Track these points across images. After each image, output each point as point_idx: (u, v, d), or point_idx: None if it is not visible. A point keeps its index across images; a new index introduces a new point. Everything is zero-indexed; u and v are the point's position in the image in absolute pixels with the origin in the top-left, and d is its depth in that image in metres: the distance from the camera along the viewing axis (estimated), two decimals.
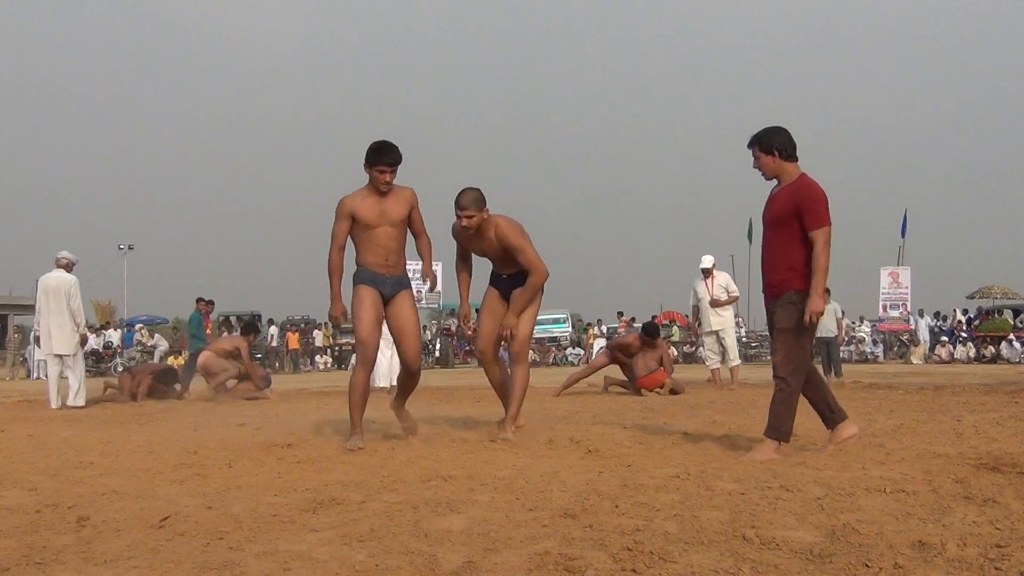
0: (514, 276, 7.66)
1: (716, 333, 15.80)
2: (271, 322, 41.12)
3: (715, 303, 15.59)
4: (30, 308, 52.52)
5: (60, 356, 13.61)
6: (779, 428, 6.19)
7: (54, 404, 13.43)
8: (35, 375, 34.94)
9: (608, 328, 42.81)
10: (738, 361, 16.20)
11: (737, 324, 40.84)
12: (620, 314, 43.93)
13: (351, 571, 3.35)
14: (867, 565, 3.28)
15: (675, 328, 42.22)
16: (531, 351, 35.22)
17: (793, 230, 6.23)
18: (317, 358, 39.91)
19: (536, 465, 5.89)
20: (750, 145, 6.48)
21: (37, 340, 14.23)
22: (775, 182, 6.46)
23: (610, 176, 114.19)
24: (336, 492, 4.90)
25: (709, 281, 15.77)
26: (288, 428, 8.72)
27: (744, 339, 38.63)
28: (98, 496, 5.05)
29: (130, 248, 57.00)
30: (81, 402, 13.49)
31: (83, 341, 14.22)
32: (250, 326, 16.97)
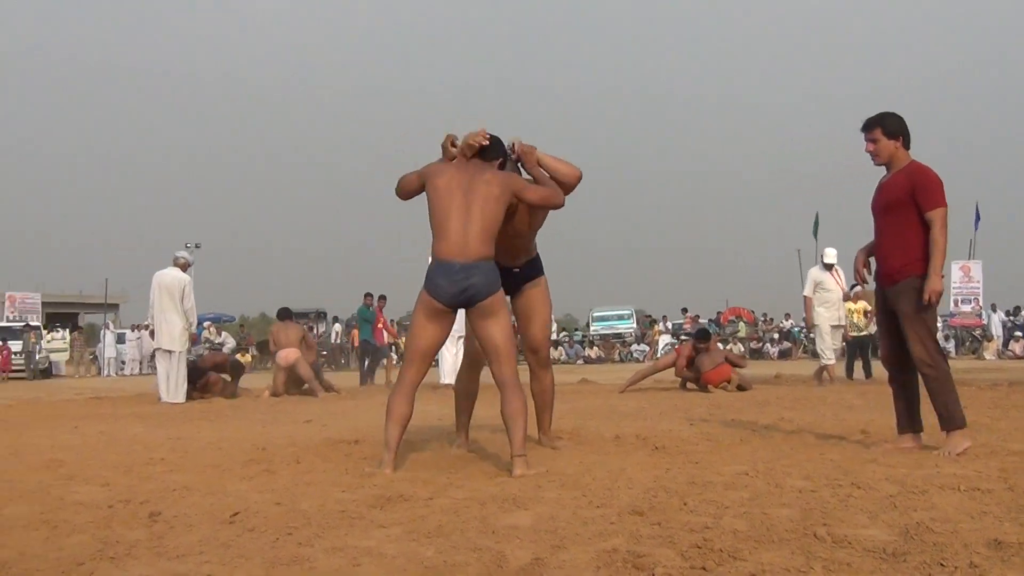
0: (522, 267, 6.59)
1: (837, 328, 15.45)
2: (336, 319, 41.38)
3: (848, 297, 15.26)
4: (100, 307, 53.32)
5: (167, 352, 13.90)
6: (954, 417, 6.02)
7: (164, 397, 13.75)
8: (106, 372, 35.50)
9: (673, 324, 42.67)
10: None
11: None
12: (685, 310, 43.79)
13: (419, 567, 3.35)
14: (942, 564, 3.22)
15: (741, 324, 41.95)
16: (596, 347, 34.91)
17: (909, 215, 6.11)
18: None
19: (603, 462, 5.86)
20: (869, 127, 6.31)
21: (151, 333, 14.65)
22: (883, 171, 6.36)
23: (674, 175, 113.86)
24: (403, 488, 4.91)
25: (835, 274, 15.39)
26: (355, 425, 8.77)
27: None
28: (169, 492, 5.10)
29: (197, 246, 57.53)
30: (181, 399, 13.77)
31: (193, 340, 14.52)
32: (284, 311, 16.64)
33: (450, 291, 5.67)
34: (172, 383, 13.82)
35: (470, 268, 5.63)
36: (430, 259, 5.81)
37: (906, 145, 6.28)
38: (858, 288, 18.10)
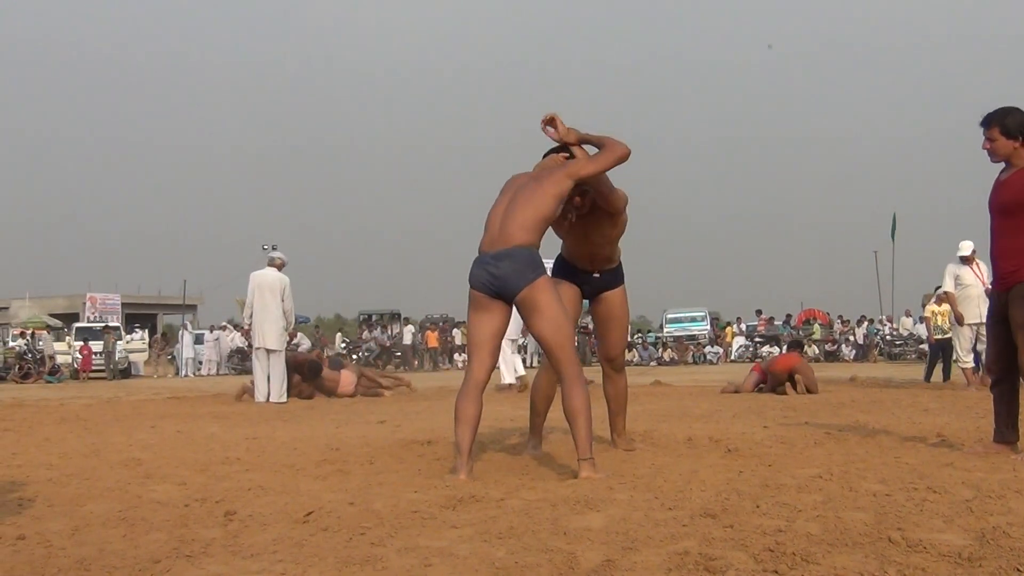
0: (602, 274, 6.58)
1: (977, 327, 14.42)
2: (407, 320, 41.64)
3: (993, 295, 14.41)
4: (178, 308, 54.07)
5: (268, 351, 14.15)
6: None
7: (260, 398, 13.98)
8: (183, 372, 36.01)
9: (747, 326, 42.42)
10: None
11: (883, 322, 40.24)
12: (759, 312, 43.48)
13: (491, 568, 3.36)
14: (1018, 569, 3.17)
15: (816, 326, 41.57)
16: (669, 349, 34.81)
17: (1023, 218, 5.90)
18: (456, 356, 40.27)
19: (675, 464, 5.84)
20: (988, 125, 6.05)
21: (246, 333, 15.07)
22: (999, 167, 6.14)
23: (749, 174, 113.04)
24: (475, 489, 4.92)
25: (976, 268, 14.41)
26: (428, 425, 8.81)
27: (888, 337, 37.87)
28: (244, 491, 5.16)
29: (273, 248, 58.07)
30: (284, 398, 14.01)
31: (292, 338, 14.74)
32: (314, 366, 16.45)
33: (481, 278, 5.55)
34: (276, 383, 14.04)
35: (500, 255, 5.52)
36: None
37: None
38: (943, 290, 17.71)
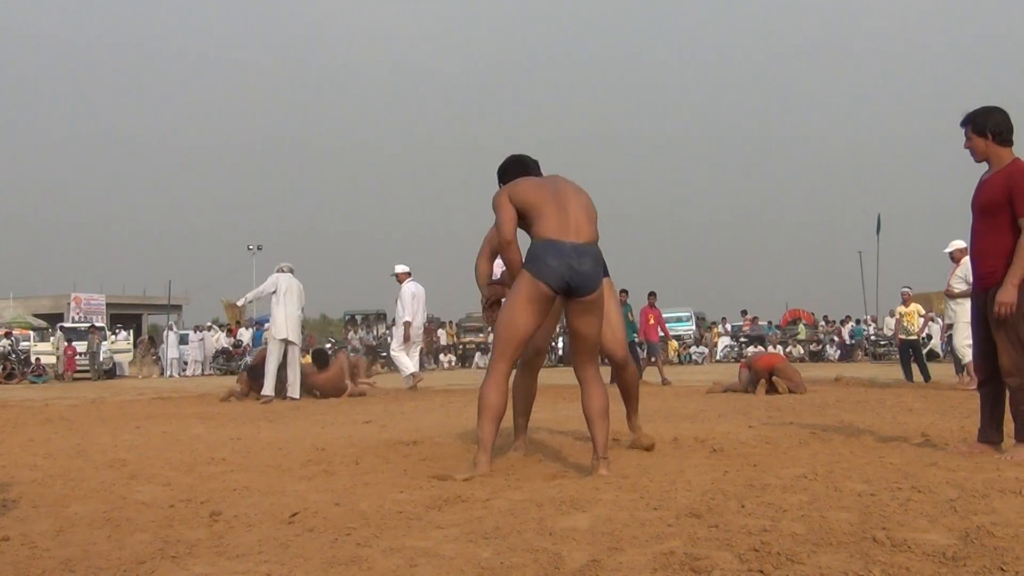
0: None
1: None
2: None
3: (948, 293, 14.48)
4: (163, 308, 53.88)
5: (289, 344, 14.74)
6: None
7: (270, 391, 14.38)
8: (168, 373, 35.91)
9: (732, 326, 42.48)
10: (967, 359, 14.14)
11: (867, 322, 40.29)
12: (744, 312, 43.56)
13: (476, 568, 3.36)
14: (1002, 569, 3.19)
15: (801, 326, 41.67)
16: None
17: (1004, 218, 5.92)
18: (441, 357, 40.23)
19: (661, 464, 5.85)
20: (963, 124, 6.17)
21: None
22: (984, 167, 6.18)
23: (735, 175, 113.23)
24: (461, 489, 4.92)
25: (955, 267, 14.17)
26: (413, 426, 8.80)
27: (872, 337, 37.96)
28: (230, 492, 5.15)
29: (259, 248, 58.02)
30: (297, 395, 14.62)
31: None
32: (319, 353, 16.71)
33: (559, 272, 5.29)
34: (293, 378, 14.76)
35: (582, 250, 5.35)
36: (532, 241, 5.46)
37: (1001, 142, 6.06)
38: (907, 289, 17.80)
